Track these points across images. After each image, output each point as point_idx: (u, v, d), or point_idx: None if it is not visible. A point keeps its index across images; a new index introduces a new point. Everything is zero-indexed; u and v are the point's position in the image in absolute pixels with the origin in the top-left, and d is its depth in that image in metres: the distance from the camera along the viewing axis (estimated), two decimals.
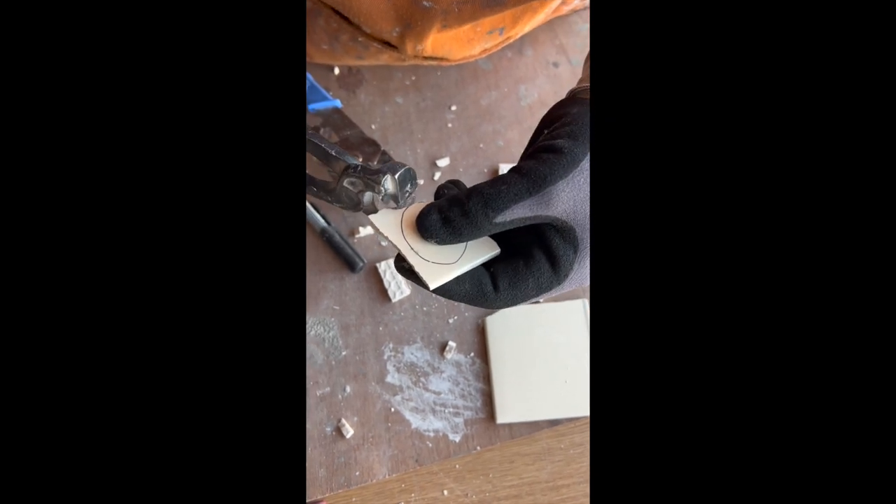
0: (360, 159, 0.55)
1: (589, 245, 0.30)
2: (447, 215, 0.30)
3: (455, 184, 0.34)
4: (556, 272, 0.30)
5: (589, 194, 0.29)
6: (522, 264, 0.31)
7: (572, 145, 0.29)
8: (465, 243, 0.31)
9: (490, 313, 0.50)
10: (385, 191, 0.33)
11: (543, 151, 0.30)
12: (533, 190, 0.29)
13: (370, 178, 0.33)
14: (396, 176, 0.33)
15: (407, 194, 0.33)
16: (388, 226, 0.32)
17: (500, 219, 0.29)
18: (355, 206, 0.36)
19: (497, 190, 0.29)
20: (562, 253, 0.30)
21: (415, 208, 0.32)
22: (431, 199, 0.32)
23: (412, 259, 0.31)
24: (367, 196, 0.35)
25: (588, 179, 0.29)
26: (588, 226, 0.29)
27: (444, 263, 0.31)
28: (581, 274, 0.31)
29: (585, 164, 0.29)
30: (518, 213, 0.29)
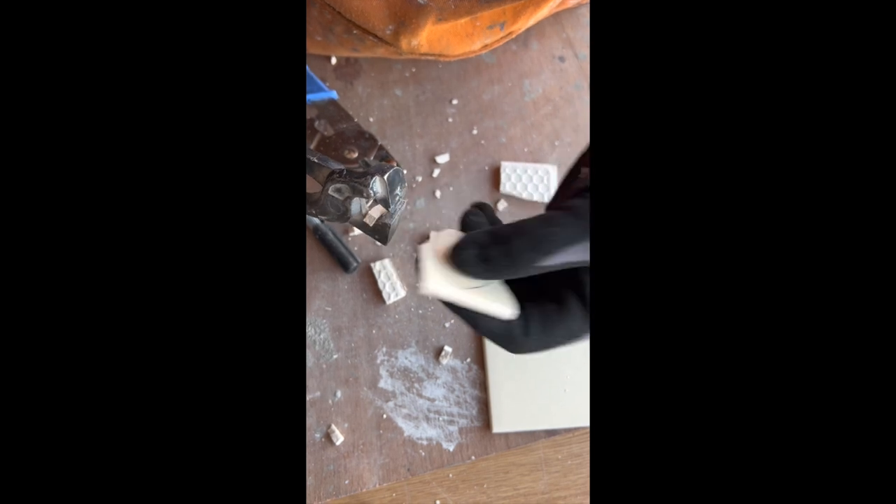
0: (356, 154, 0.53)
1: None
2: (487, 254, 0.27)
3: (481, 208, 0.31)
4: (589, 320, 0.28)
5: None
6: (555, 309, 0.28)
7: None
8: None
9: None
10: (374, 194, 0.31)
11: None
12: (589, 233, 0.26)
13: (357, 182, 0.31)
14: (385, 177, 0.31)
15: (397, 198, 0.31)
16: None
17: (545, 262, 0.26)
18: (342, 215, 0.34)
19: (548, 231, 0.26)
20: None
21: (448, 236, 0.29)
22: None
23: (427, 258, 0.28)
24: (355, 204, 0.33)
25: None
26: None
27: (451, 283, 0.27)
28: None
29: None
30: (567, 257, 0.26)
